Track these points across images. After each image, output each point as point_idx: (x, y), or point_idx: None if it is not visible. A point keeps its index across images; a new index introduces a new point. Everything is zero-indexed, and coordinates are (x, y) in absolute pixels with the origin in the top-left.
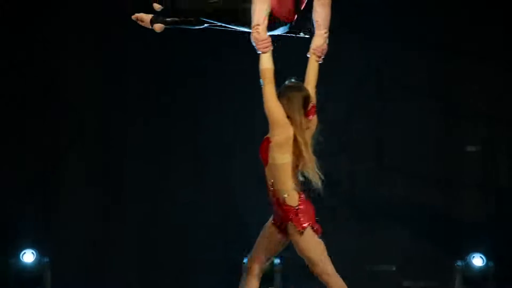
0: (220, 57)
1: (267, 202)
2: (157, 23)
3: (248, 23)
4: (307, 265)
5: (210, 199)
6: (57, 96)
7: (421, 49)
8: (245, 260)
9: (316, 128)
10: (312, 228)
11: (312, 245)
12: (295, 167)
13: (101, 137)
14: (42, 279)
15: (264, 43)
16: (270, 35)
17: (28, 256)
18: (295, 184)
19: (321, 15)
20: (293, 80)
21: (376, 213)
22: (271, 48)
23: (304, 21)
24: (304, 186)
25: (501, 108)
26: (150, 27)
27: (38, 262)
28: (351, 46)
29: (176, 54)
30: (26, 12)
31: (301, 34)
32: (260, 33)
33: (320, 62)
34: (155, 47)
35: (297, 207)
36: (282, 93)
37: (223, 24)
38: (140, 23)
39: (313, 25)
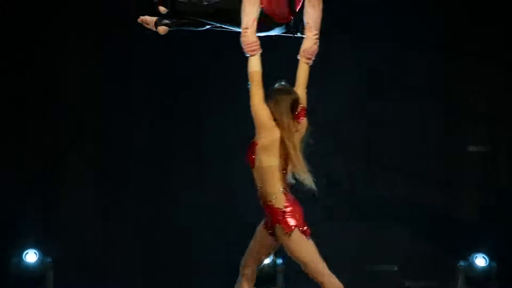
0: (222, 58)
1: None
2: (161, 25)
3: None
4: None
5: (213, 200)
6: (57, 96)
7: (421, 49)
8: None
9: (307, 130)
10: (300, 229)
11: (302, 246)
12: (283, 169)
13: (101, 137)
14: (45, 279)
15: (252, 46)
16: (259, 37)
17: (31, 256)
18: (283, 186)
19: (312, 16)
20: (282, 83)
21: (376, 213)
22: (260, 51)
23: (297, 22)
24: (298, 188)
25: (501, 108)
26: (155, 29)
27: (40, 262)
28: (350, 46)
29: (178, 56)
30: (26, 12)
31: (299, 34)
32: (248, 36)
33: (310, 64)
34: (157, 49)
35: (284, 209)
36: (270, 96)
37: (224, 26)
38: (145, 25)
39: (304, 26)
